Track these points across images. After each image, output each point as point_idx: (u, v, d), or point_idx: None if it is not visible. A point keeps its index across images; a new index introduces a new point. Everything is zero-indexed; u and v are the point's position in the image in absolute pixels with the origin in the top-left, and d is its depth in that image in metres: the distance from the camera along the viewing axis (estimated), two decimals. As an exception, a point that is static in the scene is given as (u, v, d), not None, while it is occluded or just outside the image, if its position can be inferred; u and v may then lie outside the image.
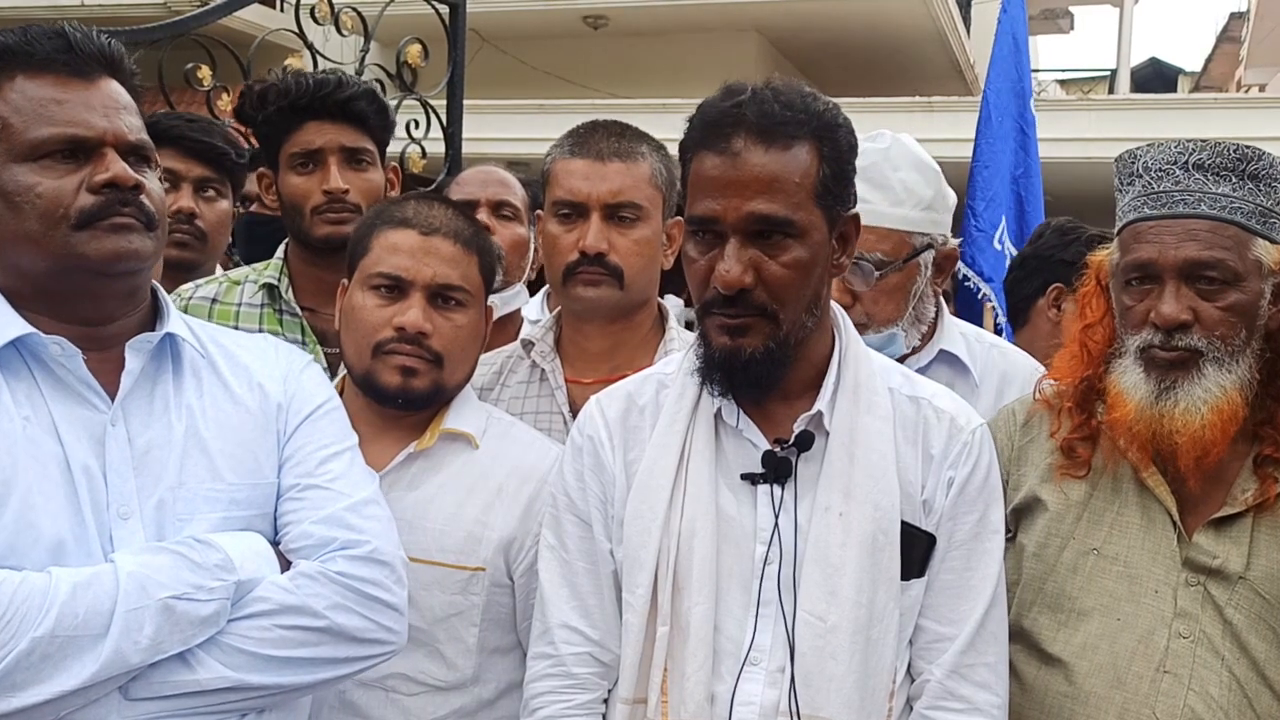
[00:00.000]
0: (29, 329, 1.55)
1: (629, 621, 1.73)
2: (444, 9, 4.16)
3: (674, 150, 1.90)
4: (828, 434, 1.72)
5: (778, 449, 1.73)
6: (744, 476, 1.73)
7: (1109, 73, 22.35)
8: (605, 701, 1.81)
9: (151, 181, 1.62)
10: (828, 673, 1.65)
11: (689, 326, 2.21)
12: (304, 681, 1.59)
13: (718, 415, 1.77)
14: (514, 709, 1.90)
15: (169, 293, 1.78)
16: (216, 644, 1.53)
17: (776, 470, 1.71)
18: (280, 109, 2.45)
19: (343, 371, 2.10)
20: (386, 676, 1.91)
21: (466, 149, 4.33)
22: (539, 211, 2.34)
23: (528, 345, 2.31)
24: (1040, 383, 2.06)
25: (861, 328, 1.99)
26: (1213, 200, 1.81)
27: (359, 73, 3.25)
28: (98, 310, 1.61)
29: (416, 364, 1.96)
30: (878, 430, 1.73)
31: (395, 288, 1.98)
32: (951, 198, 2.44)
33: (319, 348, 2.44)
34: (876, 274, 2.28)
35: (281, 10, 8.59)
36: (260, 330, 2.42)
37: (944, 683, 1.72)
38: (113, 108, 1.59)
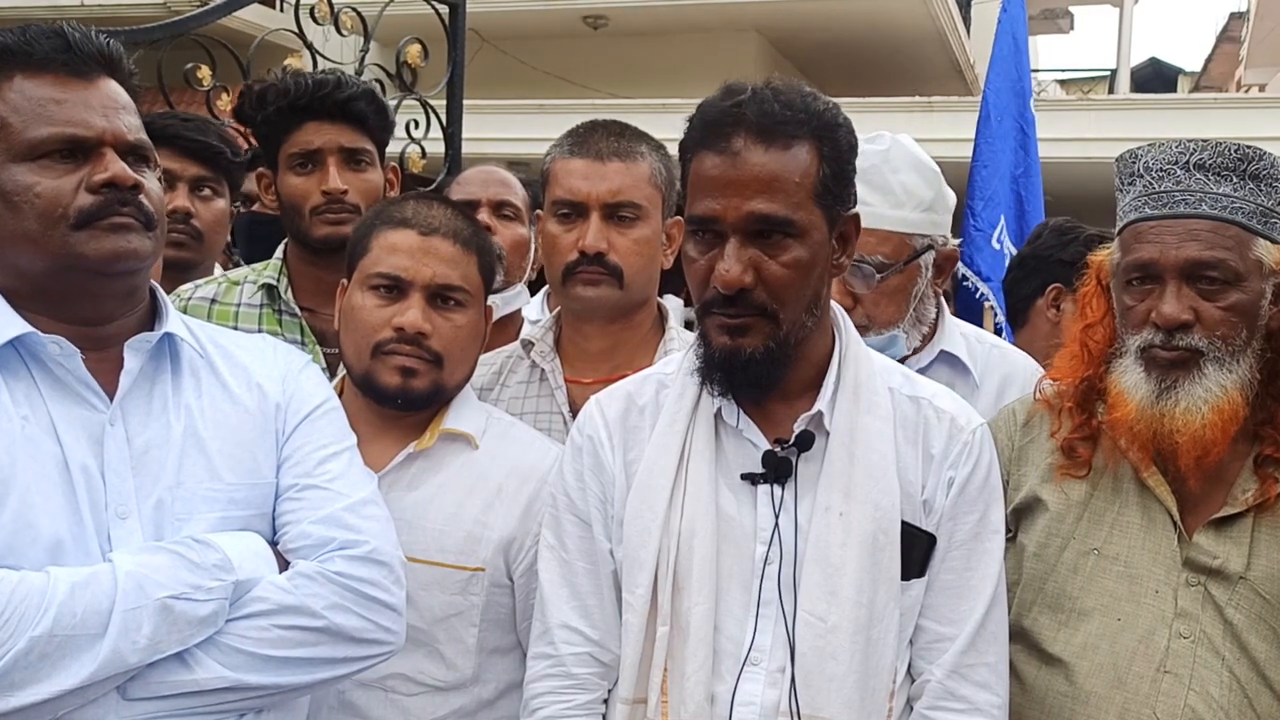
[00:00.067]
0: (28, 328, 1.55)
1: (629, 621, 1.73)
2: (444, 9, 4.16)
3: (674, 150, 1.90)
4: (828, 434, 1.72)
5: (778, 449, 1.72)
6: (744, 476, 1.73)
7: (1109, 73, 22.36)
8: (605, 702, 1.81)
9: (150, 181, 1.62)
10: (828, 673, 1.65)
11: (689, 326, 2.21)
12: (302, 681, 1.59)
13: (718, 415, 1.77)
14: (514, 709, 1.90)
15: (167, 293, 1.78)
16: (215, 644, 1.53)
17: (777, 470, 1.71)
18: (279, 109, 2.45)
19: (342, 372, 2.09)
20: (386, 677, 1.90)
21: (466, 149, 4.33)
22: (539, 211, 2.34)
23: (527, 345, 2.31)
24: (1040, 383, 2.06)
25: (863, 330, 2.00)
26: (1214, 200, 1.81)
27: (359, 73, 3.24)
28: (96, 310, 1.61)
29: (416, 364, 1.96)
30: (878, 430, 1.73)
31: (395, 288, 1.98)
32: (951, 198, 2.44)
33: (318, 348, 2.43)
34: (877, 276, 2.28)
35: (281, 10, 8.58)
36: (259, 330, 2.41)
37: (944, 683, 1.72)
38: (112, 107, 1.59)
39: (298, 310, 2.48)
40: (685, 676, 1.68)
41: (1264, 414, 1.85)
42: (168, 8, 10.68)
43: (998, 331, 3.65)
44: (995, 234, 4.18)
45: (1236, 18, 26.41)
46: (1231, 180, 1.81)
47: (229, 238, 3.36)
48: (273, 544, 1.66)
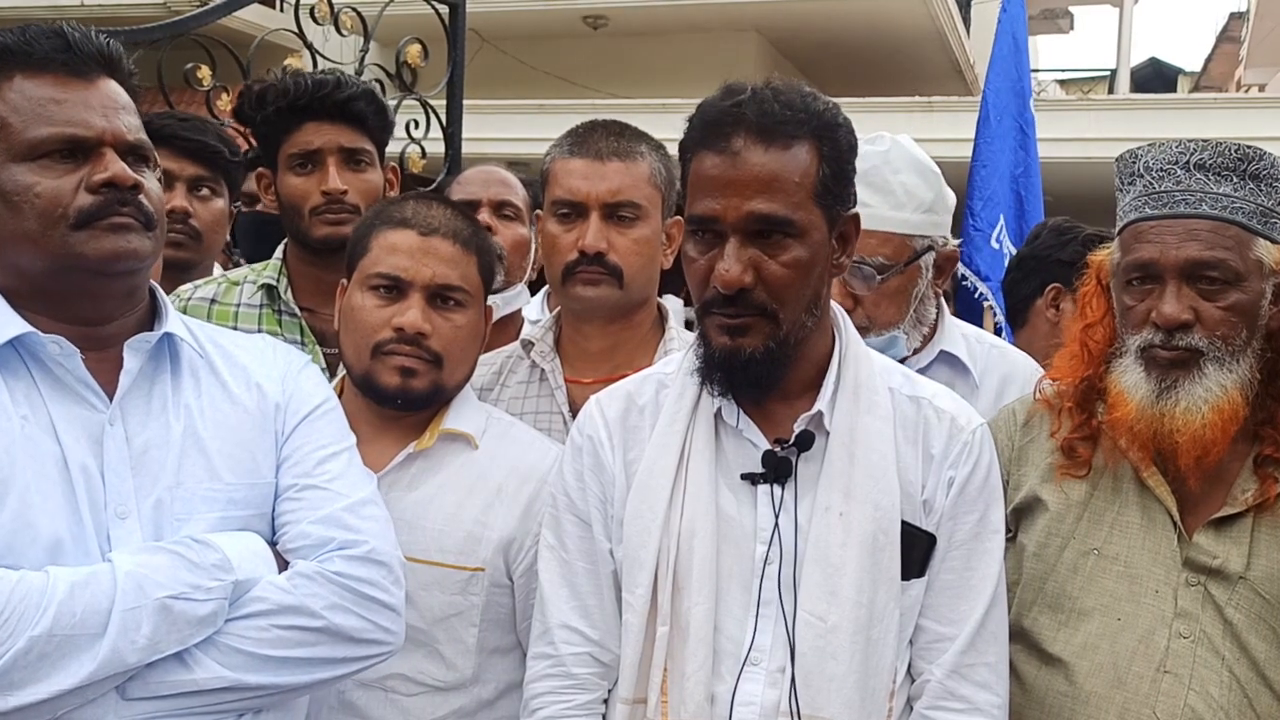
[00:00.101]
0: (27, 328, 1.55)
1: (629, 621, 1.73)
2: (444, 9, 4.16)
3: (673, 150, 1.89)
4: (828, 434, 1.72)
5: (778, 449, 1.72)
6: (744, 476, 1.73)
7: (1109, 73, 22.36)
8: (605, 702, 1.81)
9: (150, 181, 1.62)
10: (828, 673, 1.65)
11: (690, 326, 2.21)
12: (301, 681, 1.59)
13: (718, 415, 1.77)
14: (514, 709, 1.90)
15: (166, 293, 1.78)
16: (214, 644, 1.53)
17: (777, 470, 1.71)
18: (279, 109, 2.45)
19: (342, 372, 2.09)
20: (386, 677, 1.90)
21: (466, 149, 4.33)
22: (539, 211, 2.34)
23: (527, 345, 2.31)
24: (1040, 383, 2.06)
25: (863, 331, 2.00)
26: (1214, 200, 1.81)
27: (359, 73, 3.25)
28: (96, 310, 1.61)
29: (415, 364, 1.96)
30: (878, 430, 1.73)
31: (394, 288, 1.98)
32: (951, 199, 2.44)
33: (318, 348, 2.43)
34: (878, 278, 2.28)
35: (281, 10, 8.58)
36: (259, 331, 2.41)
37: (944, 683, 1.72)
38: (111, 107, 1.59)
39: (297, 310, 2.48)
40: (685, 676, 1.68)
41: (1264, 414, 1.85)
42: (168, 8, 10.68)
43: (997, 331, 3.65)
44: (994, 234, 4.19)
45: (1236, 18, 26.42)
46: (1232, 180, 1.81)
47: (229, 237, 3.36)
48: (272, 544, 1.65)
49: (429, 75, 4.13)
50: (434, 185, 3.66)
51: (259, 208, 3.60)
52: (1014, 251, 3.90)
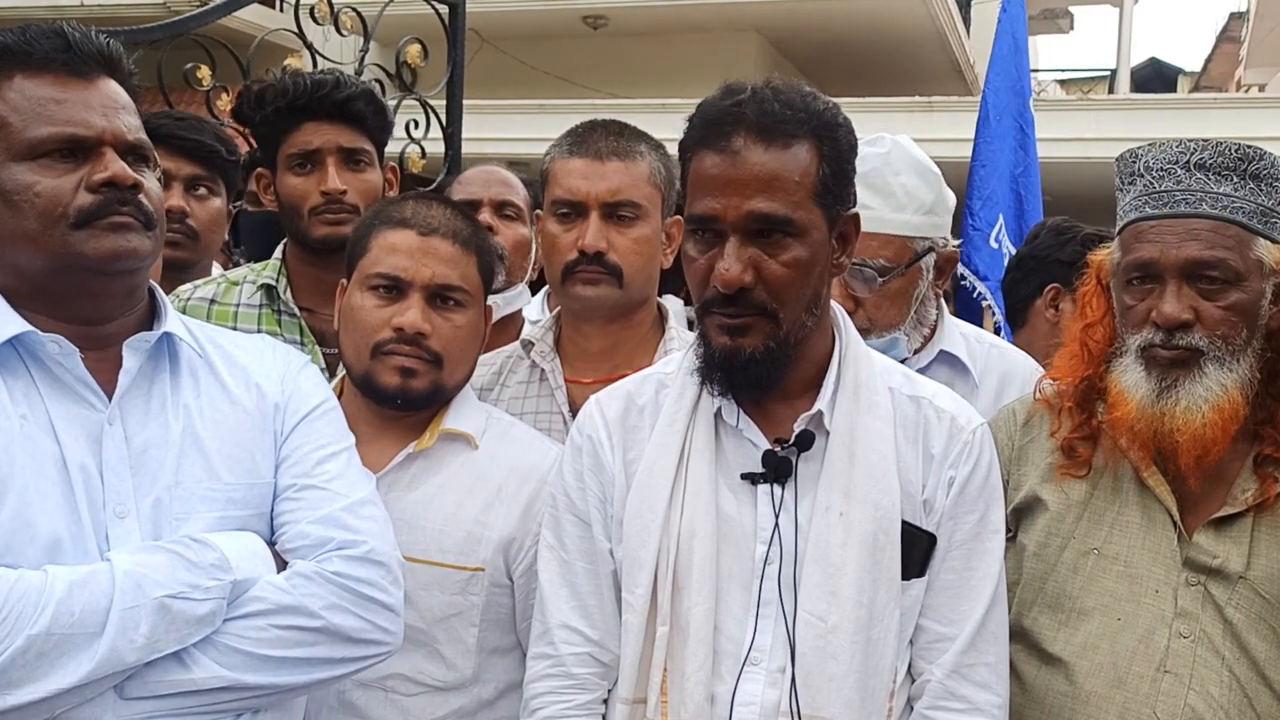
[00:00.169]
0: (27, 327, 1.55)
1: (629, 621, 1.73)
2: (443, 9, 4.16)
3: (673, 150, 1.89)
4: (828, 434, 1.72)
5: (778, 448, 1.72)
6: (744, 476, 1.73)
7: (1109, 73, 22.37)
8: (605, 702, 1.81)
9: (150, 181, 1.62)
10: (828, 673, 1.64)
11: (692, 326, 2.21)
12: (300, 681, 1.59)
13: (717, 415, 1.77)
14: (514, 709, 1.90)
15: (165, 293, 1.77)
16: (212, 643, 1.53)
17: (777, 470, 1.71)
18: (278, 109, 2.45)
19: (342, 372, 2.09)
20: (386, 677, 1.90)
21: (466, 149, 4.33)
22: (539, 211, 2.34)
23: (527, 345, 2.31)
24: (1040, 382, 2.06)
25: (864, 333, 2.00)
26: (1214, 200, 1.81)
27: (358, 73, 3.24)
28: (96, 309, 1.61)
29: (415, 364, 1.96)
30: (878, 430, 1.73)
31: (394, 288, 1.98)
32: (951, 199, 2.44)
33: (317, 348, 2.43)
34: (879, 280, 2.28)
35: (281, 10, 8.58)
36: (259, 331, 2.41)
37: (944, 683, 1.72)
38: (111, 107, 1.59)
39: (297, 310, 2.48)
40: (685, 676, 1.67)
41: (1264, 413, 1.85)
42: (168, 8, 10.68)
43: (996, 331, 3.65)
44: (993, 233, 4.19)
45: (1236, 18, 26.42)
46: (1232, 180, 1.81)
47: (228, 237, 3.36)
48: (271, 544, 1.65)
49: (429, 75, 4.13)
50: (434, 185, 3.66)
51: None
52: (1013, 251, 3.91)
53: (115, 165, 1.56)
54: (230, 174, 3.02)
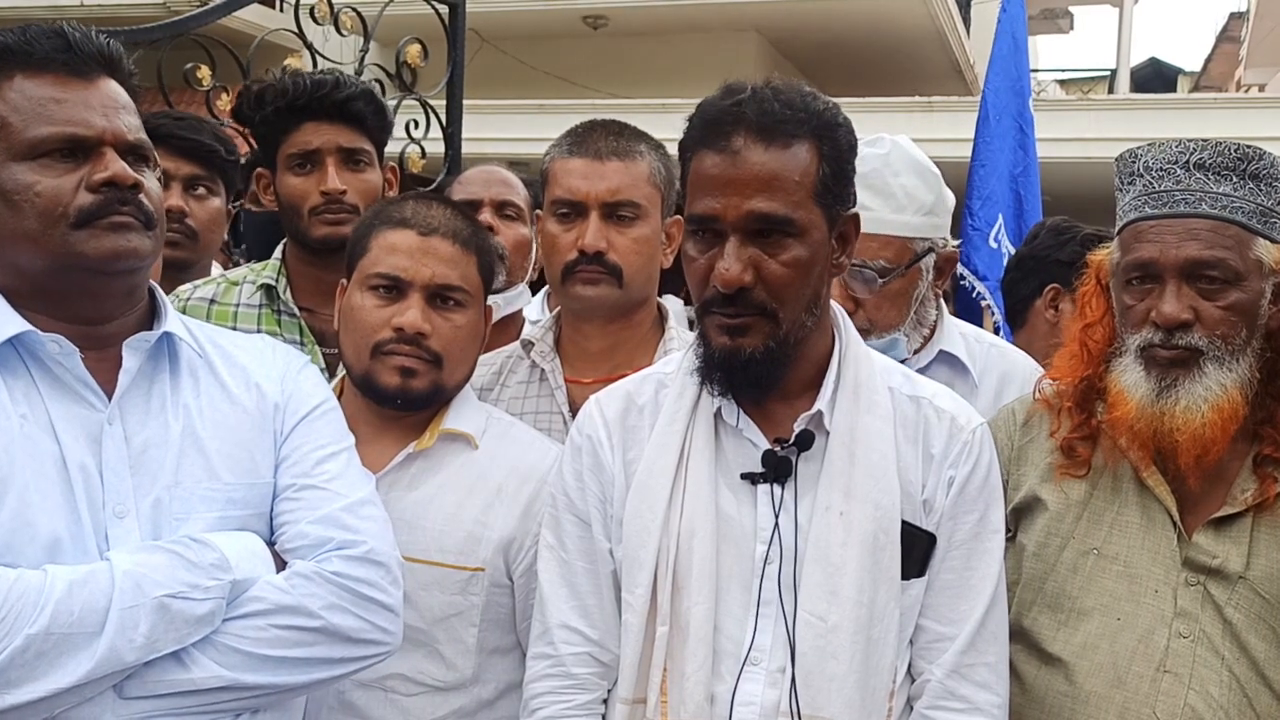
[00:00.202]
0: (27, 327, 1.55)
1: (628, 621, 1.73)
2: (443, 9, 4.16)
3: (673, 150, 1.89)
4: (828, 433, 1.72)
5: (778, 448, 1.72)
6: (744, 476, 1.73)
7: (1109, 73, 22.37)
8: (605, 702, 1.81)
9: (150, 181, 1.62)
10: (828, 672, 1.64)
11: (692, 325, 2.21)
12: (299, 681, 1.59)
13: (717, 415, 1.77)
14: (514, 709, 1.90)
15: (164, 293, 1.78)
16: (211, 643, 1.53)
17: (776, 470, 1.71)
18: (278, 109, 2.45)
19: (342, 372, 2.09)
20: (386, 677, 1.90)
21: (466, 149, 4.33)
22: (539, 211, 2.34)
23: (527, 345, 2.31)
24: (1040, 382, 2.06)
25: (864, 334, 2.00)
26: (1214, 200, 1.81)
27: (358, 73, 3.24)
28: (96, 309, 1.61)
29: (415, 364, 1.96)
30: (878, 430, 1.73)
31: (394, 288, 1.98)
32: (950, 199, 2.44)
33: (317, 348, 2.43)
34: (880, 281, 2.28)
35: (281, 10, 8.58)
36: (258, 331, 2.41)
37: (944, 682, 1.72)
38: (112, 107, 1.59)
39: (296, 310, 2.48)
40: (685, 676, 1.67)
41: (1263, 413, 1.85)
42: (168, 8, 10.68)
43: (996, 331, 3.65)
44: (993, 233, 4.19)
45: (1236, 18, 26.43)
46: (1231, 180, 1.81)
47: (228, 236, 3.35)
48: (270, 544, 1.65)
49: (429, 75, 4.13)
50: (434, 185, 3.65)
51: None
52: (1012, 251, 3.91)
53: (116, 165, 1.56)
54: (229, 174, 3.02)
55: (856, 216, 1.75)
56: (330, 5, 3.81)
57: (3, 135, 1.54)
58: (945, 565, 1.74)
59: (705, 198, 1.65)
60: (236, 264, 3.44)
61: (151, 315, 1.69)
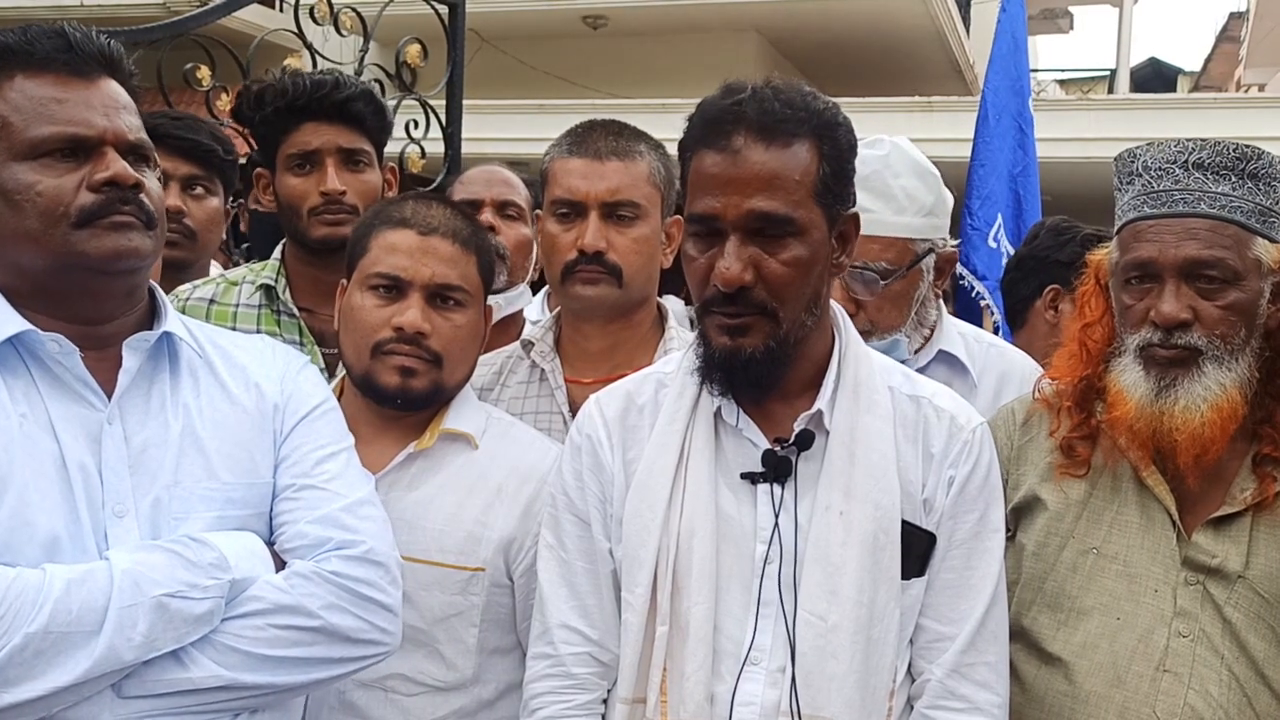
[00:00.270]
0: (27, 326, 1.55)
1: (628, 621, 1.73)
2: (443, 9, 4.16)
3: (673, 150, 1.89)
4: (828, 433, 1.72)
5: (778, 448, 1.72)
6: (744, 476, 1.73)
7: (1108, 73, 22.38)
8: (605, 701, 1.81)
9: (151, 181, 1.62)
10: (828, 672, 1.64)
11: (692, 325, 2.21)
12: (298, 681, 1.59)
13: (717, 414, 1.77)
14: (514, 709, 1.89)
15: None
16: (210, 642, 1.53)
17: (776, 469, 1.71)
18: (277, 109, 2.45)
19: (342, 372, 2.09)
20: (386, 677, 1.90)
21: (466, 149, 4.32)
22: (539, 211, 2.34)
23: (527, 345, 2.31)
24: (1039, 382, 2.06)
25: (866, 335, 2.00)
26: (1212, 199, 1.81)
27: (358, 73, 3.24)
28: (96, 309, 1.61)
29: (415, 364, 1.96)
30: (878, 429, 1.73)
31: (394, 288, 1.98)
32: (949, 200, 2.45)
33: (316, 348, 2.43)
34: (881, 283, 2.28)
35: (280, 10, 8.59)
36: (258, 331, 2.41)
37: (944, 682, 1.72)
38: (112, 107, 1.59)
39: (296, 311, 2.48)
40: (685, 676, 1.67)
41: (1262, 413, 1.85)
42: (168, 8, 10.69)
43: (996, 331, 3.65)
44: (992, 233, 4.20)
45: (1236, 18, 26.43)
46: (1230, 179, 1.82)
47: (227, 236, 3.35)
48: (270, 544, 1.66)
49: (429, 75, 4.13)
50: (434, 185, 3.66)
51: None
52: (1011, 251, 3.91)
53: (117, 165, 1.56)
54: (228, 173, 3.02)
55: (856, 216, 1.75)
56: (330, 5, 3.81)
57: (4, 135, 1.54)
58: (945, 565, 1.74)
59: (705, 197, 1.65)
60: (236, 264, 3.44)
61: (151, 315, 1.69)
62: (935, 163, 2.41)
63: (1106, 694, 1.81)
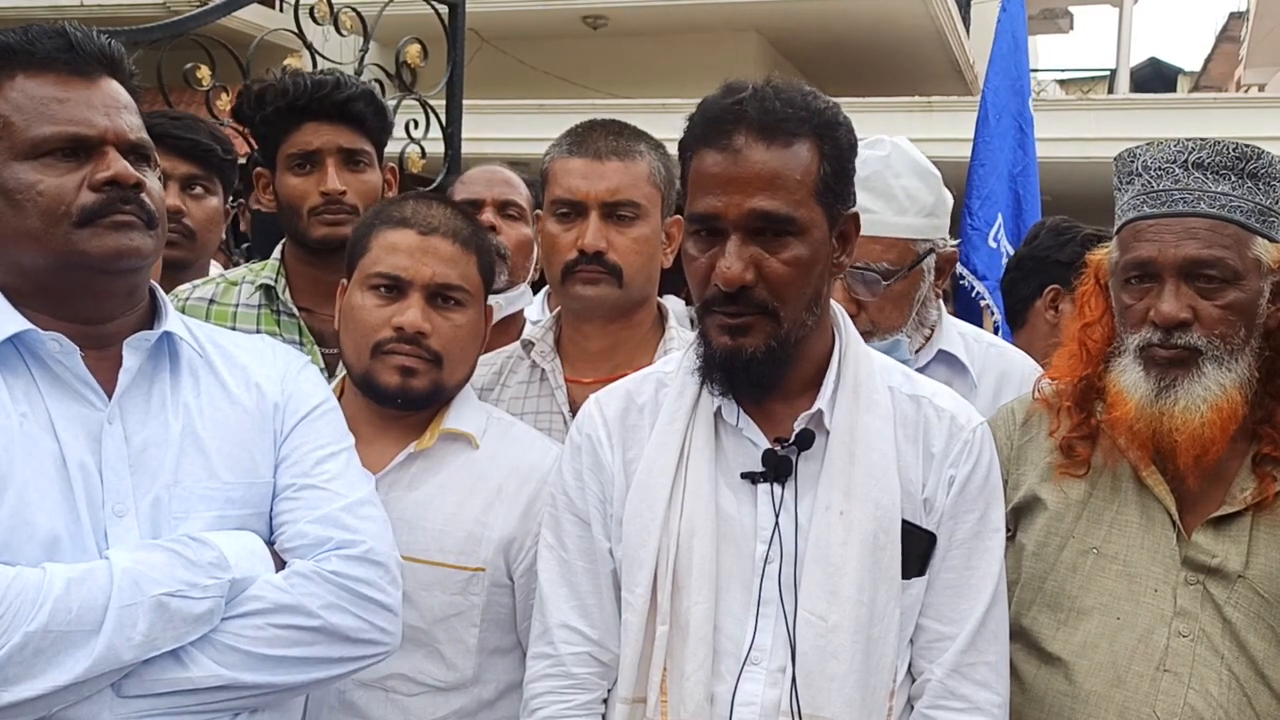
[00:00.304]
0: (27, 325, 1.55)
1: (628, 621, 1.73)
2: (443, 9, 4.16)
3: (673, 150, 1.90)
4: (828, 433, 1.72)
5: (778, 448, 1.72)
6: (744, 475, 1.73)
7: (1108, 73, 22.38)
8: (605, 701, 1.81)
9: (152, 180, 1.62)
10: (829, 672, 1.64)
11: (692, 325, 2.21)
12: (297, 681, 1.59)
13: (717, 414, 1.77)
14: (514, 709, 1.89)
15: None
16: (210, 642, 1.53)
17: (777, 469, 1.71)
18: (278, 109, 2.45)
19: (342, 372, 2.09)
20: (386, 677, 1.90)
21: (466, 149, 4.33)
22: (539, 211, 2.34)
23: (527, 345, 2.31)
24: (1039, 382, 2.06)
25: (866, 335, 2.00)
26: (1212, 199, 1.81)
27: (358, 73, 3.24)
28: (97, 308, 1.61)
29: (415, 364, 1.96)
30: (878, 429, 1.73)
31: (394, 287, 1.98)
32: (949, 199, 2.45)
33: (316, 348, 2.43)
34: (883, 284, 2.28)
35: (281, 10, 8.59)
36: (257, 331, 2.41)
37: (945, 682, 1.72)
38: (113, 107, 1.59)
39: (295, 311, 2.48)
40: (685, 676, 1.67)
41: (1262, 413, 1.85)
42: (168, 8, 10.69)
43: (996, 331, 3.65)
44: (992, 232, 4.20)
45: (1236, 18, 26.43)
46: (1230, 179, 1.82)
47: (227, 236, 3.35)
48: (270, 543, 1.66)
49: (429, 75, 4.13)
50: (434, 185, 3.66)
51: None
52: (1011, 251, 3.91)
53: (118, 164, 1.56)
54: (227, 173, 3.02)
55: (857, 216, 1.75)
56: (330, 5, 3.81)
57: (5, 134, 1.54)
58: (946, 564, 1.74)
59: (706, 196, 1.65)
60: (236, 264, 3.44)
61: (152, 315, 1.69)
62: (935, 163, 2.41)
63: (1106, 694, 1.81)
